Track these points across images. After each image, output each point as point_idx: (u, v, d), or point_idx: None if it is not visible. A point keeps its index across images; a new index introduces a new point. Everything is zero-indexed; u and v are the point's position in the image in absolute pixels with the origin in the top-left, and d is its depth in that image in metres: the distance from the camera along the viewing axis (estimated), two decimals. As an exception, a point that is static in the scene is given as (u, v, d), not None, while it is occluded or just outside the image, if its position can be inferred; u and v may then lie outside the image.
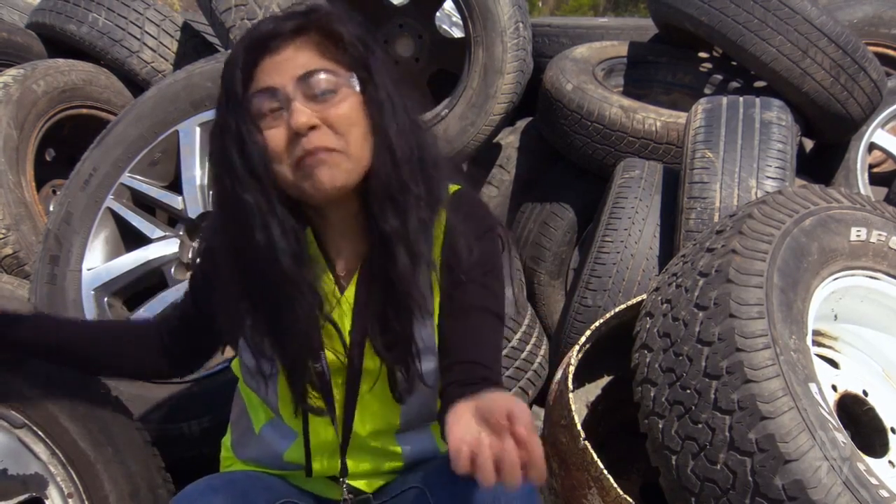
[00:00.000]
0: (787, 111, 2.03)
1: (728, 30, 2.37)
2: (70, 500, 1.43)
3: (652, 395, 1.37)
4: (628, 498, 1.30)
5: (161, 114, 1.90)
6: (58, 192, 2.41)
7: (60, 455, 1.43)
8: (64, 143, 2.65)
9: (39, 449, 1.43)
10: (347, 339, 1.10)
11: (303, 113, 0.97)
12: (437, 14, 2.95)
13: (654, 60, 2.89)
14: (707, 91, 2.80)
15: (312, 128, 0.97)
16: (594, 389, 1.79)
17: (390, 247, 1.03)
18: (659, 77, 2.88)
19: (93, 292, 1.84)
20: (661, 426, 1.34)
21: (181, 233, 1.92)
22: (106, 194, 1.90)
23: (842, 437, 1.25)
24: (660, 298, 1.47)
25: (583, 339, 1.54)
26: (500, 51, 2.31)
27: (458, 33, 3.22)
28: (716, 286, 1.36)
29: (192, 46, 2.82)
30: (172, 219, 2.02)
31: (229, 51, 2.13)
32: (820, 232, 1.47)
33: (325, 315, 1.08)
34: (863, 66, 2.34)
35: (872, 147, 2.89)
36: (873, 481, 1.23)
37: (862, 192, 2.68)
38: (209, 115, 1.89)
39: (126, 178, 1.91)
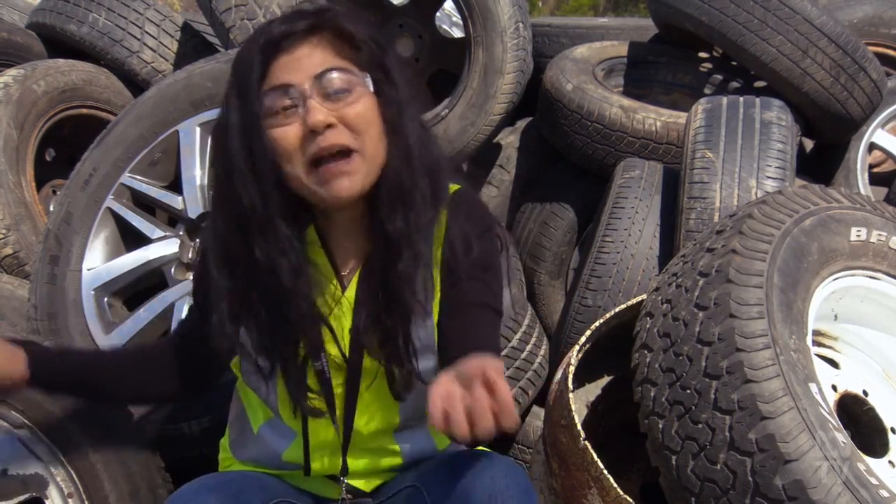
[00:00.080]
0: (787, 111, 2.03)
1: (728, 30, 2.37)
2: (70, 500, 1.43)
3: (652, 395, 1.37)
4: (628, 498, 1.29)
5: (161, 114, 1.90)
6: (58, 192, 2.41)
7: (61, 455, 1.43)
8: (64, 143, 2.65)
9: (39, 449, 1.43)
10: (347, 338, 1.10)
11: (319, 111, 0.97)
12: (437, 14, 2.95)
13: (654, 60, 2.89)
14: (707, 91, 2.80)
15: (329, 126, 0.97)
16: (594, 389, 1.79)
17: (395, 248, 1.03)
18: (659, 77, 2.88)
19: (93, 292, 1.84)
20: (661, 426, 1.34)
21: (181, 233, 1.92)
22: (106, 194, 1.90)
23: (842, 437, 1.25)
24: (660, 298, 1.47)
25: (583, 339, 1.54)
26: (500, 51, 2.31)
27: (458, 33, 3.22)
28: (716, 286, 1.36)
29: (192, 46, 2.82)
30: (172, 219, 2.02)
31: (232, 50, 2.13)
32: (820, 232, 1.47)
33: (323, 318, 1.08)
34: (863, 66, 2.34)
35: (872, 147, 2.89)
36: (873, 481, 1.22)
37: (862, 192, 2.68)
38: (209, 115, 1.89)
39: (126, 178, 1.90)
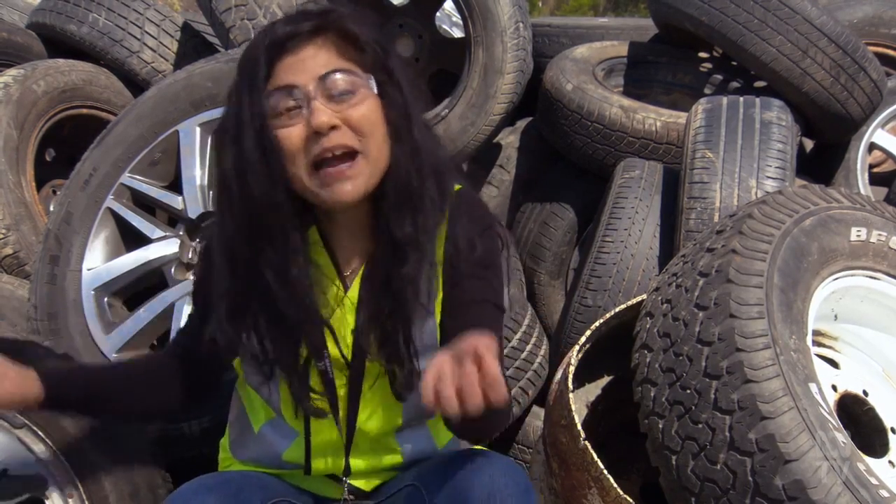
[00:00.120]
0: (787, 111, 2.03)
1: (728, 30, 2.37)
2: (70, 500, 1.43)
3: (652, 395, 1.37)
4: (628, 498, 1.29)
5: (161, 114, 1.90)
6: (58, 192, 2.41)
7: (60, 455, 1.43)
8: (64, 143, 2.65)
9: (39, 449, 1.43)
10: (350, 338, 1.10)
11: (324, 112, 0.97)
12: (437, 14, 2.95)
13: (654, 60, 2.89)
14: (707, 91, 2.80)
15: (333, 128, 0.98)
16: (594, 389, 1.79)
17: (402, 251, 1.04)
18: (659, 77, 2.88)
19: (93, 292, 1.84)
20: (661, 426, 1.34)
21: (181, 233, 1.92)
22: (106, 194, 1.90)
23: (842, 437, 1.25)
24: (660, 298, 1.47)
25: (583, 339, 1.54)
26: (500, 51, 2.31)
27: (458, 33, 3.22)
28: (716, 286, 1.36)
29: (192, 46, 2.82)
30: (172, 219, 2.02)
31: (232, 50, 2.13)
32: (820, 232, 1.47)
33: (326, 319, 1.08)
34: (863, 66, 2.34)
35: (872, 147, 2.89)
36: (873, 481, 1.22)
37: (862, 192, 2.68)
38: (209, 115, 1.88)
39: (126, 178, 1.90)
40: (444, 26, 3.29)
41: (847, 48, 2.31)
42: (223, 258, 1.05)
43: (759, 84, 2.61)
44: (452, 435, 1.23)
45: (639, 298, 1.59)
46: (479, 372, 0.81)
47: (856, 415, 1.57)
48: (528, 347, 2.11)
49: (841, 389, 1.55)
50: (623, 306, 1.60)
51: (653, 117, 2.39)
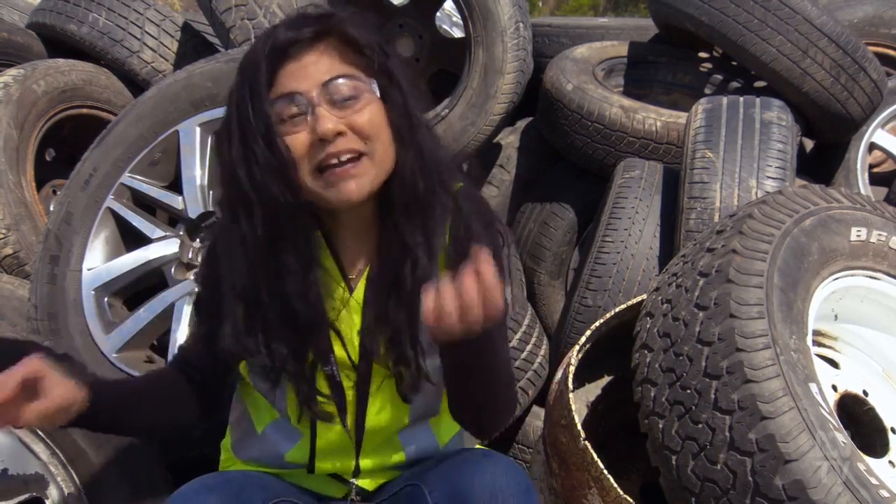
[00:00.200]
0: (788, 111, 2.03)
1: (728, 30, 2.37)
2: (70, 500, 1.43)
3: (652, 395, 1.37)
4: (628, 498, 1.29)
5: (161, 114, 1.90)
6: (58, 192, 2.41)
7: (60, 455, 1.43)
8: (64, 143, 2.65)
9: (39, 449, 1.44)
10: (356, 340, 1.10)
11: (329, 119, 0.97)
12: (438, 14, 2.95)
13: (654, 60, 2.89)
14: (707, 91, 2.80)
15: (338, 134, 0.98)
16: (594, 389, 1.79)
17: (412, 253, 1.04)
18: (659, 77, 2.88)
19: (93, 292, 1.84)
20: (661, 426, 1.34)
21: (181, 233, 1.92)
22: (106, 194, 1.90)
23: (842, 437, 1.25)
24: (660, 298, 1.47)
25: (583, 339, 1.54)
26: (500, 51, 2.31)
27: (458, 33, 3.22)
28: (716, 286, 1.36)
29: (192, 46, 2.82)
30: (173, 219, 2.02)
31: (232, 50, 2.13)
32: (820, 232, 1.47)
33: (332, 324, 1.08)
34: (863, 66, 2.34)
35: (872, 147, 2.89)
36: (873, 481, 1.22)
37: (862, 192, 2.68)
38: (209, 115, 1.88)
39: (126, 178, 1.90)
40: (444, 26, 3.28)
41: (847, 48, 2.31)
42: (243, 263, 1.04)
43: (759, 84, 2.61)
44: (454, 434, 1.23)
45: (639, 298, 1.59)
46: (478, 282, 0.85)
47: (856, 415, 1.57)
48: (528, 347, 2.11)
49: (841, 389, 1.55)
50: (623, 306, 1.60)
51: (653, 117, 2.39)
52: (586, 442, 1.36)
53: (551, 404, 1.55)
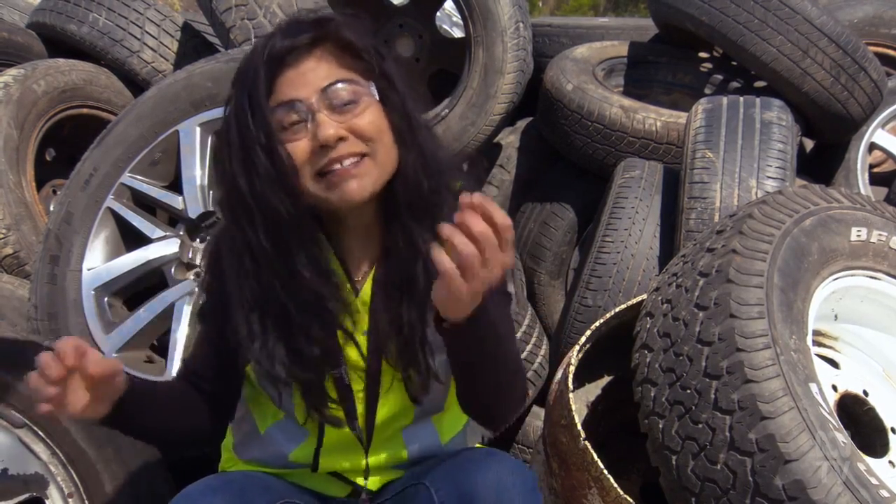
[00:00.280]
0: (788, 111, 2.03)
1: (728, 30, 2.37)
2: (70, 500, 1.43)
3: (652, 395, 1.37)
4: (628, 498, 1.29)
5: (161, 114, 1.90)
6: (58, 192, 2.41)
7: (61, 455, 1.43)
8: (64, 143, 2.65)
9: (40, 449, 1.44)
10: (364, 341, 1.10)
11: (330, 125, 0.98)
12: (438, 14, 2.95)
13: (655, 60, 2.89)
14: (707, 91, 2.81)
15: (340, 139, 0.98)
16: (594, 389, 1.79)
17: (421, 251, 1.04)
18: (659, 77, 2.88)
19: (93, 292, 1.84)
20: (661, 426, 1.34)
21: (181, 233, 1.92)
22: (106, 194, 1.90)
23: (842, 437, 1.25)
24: (660, 298, 1.47)
25: (583, 339, 1.54)
26: (500, 51, 2.31)
27: (458, 33, 3.22)
28: (716, 286, 1.36)
29: (192, 46, 2.82)
30: (173, 219, 2.02)
31: (232, 50, 2.13)
32: (820, 232, 1.47)
33: (342, 325, 1.08)
34: (863, 66, 2.34)
35: (873, 147, 2.89)
36: (873, 481, 1.22)
37: (862, 192, 2.68)
38: (209, 115, 1.89)
39: (126, 178, 1.90)
40: (445, 26, 3.29)
41: (847, 48, 2.31)
42: (251, 269, 1.04)
43: (760, 84, 2.61)
44: (457, 432, 1.24)
45: (639, 298, 1.59)
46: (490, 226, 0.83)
47: (856, 415, 1.57)
48: (528, 347, 2.11)
49: (841, 389, 1.55)
50: (623, 306, 1.60)
51: (653, 117, 2.39)
52: (586, 442, 1.36)
53: (551, 404, 1.55)
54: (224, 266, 1.08)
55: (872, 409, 1.56)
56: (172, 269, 1.90)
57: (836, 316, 1.61)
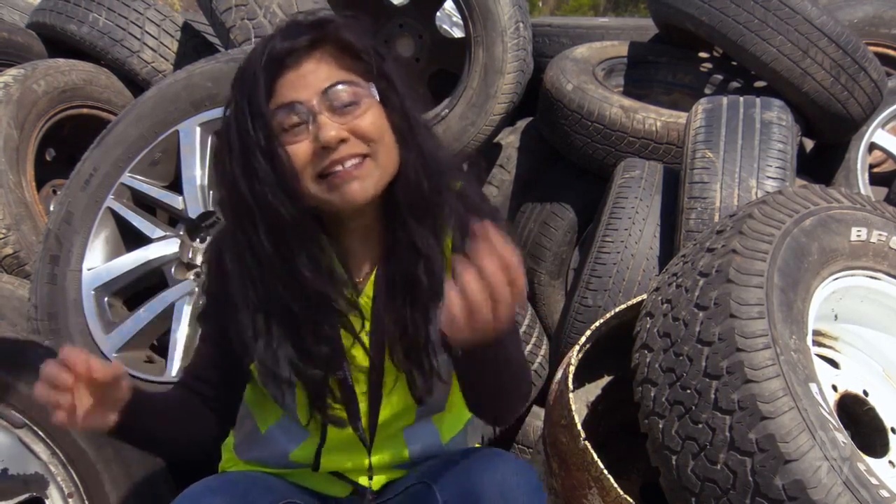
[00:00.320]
0: (788, 111, 2.03)
1: (728, 30, 2.37)
2: (70, 500, 1.43)
3: (652, 395, 1.37)
4: (628, 498, 1.30)
5: (161, 114, 1.90)
6: (58, 192, 2.41)
7: (61, 455, 1.43)
8: (64, 143, 2.65)
9: (40, 449, 1.44)
10: (367, 341, 1.10)
11: (332, 127, 0.97)
12: (438, 14, 2.96)
13: (655, 60, 2.89)
14: (707, 91, 2.81)
15: (342, 141, 0.98)
16: (594, 389, 1.79)
17: (423, 256, 1.04)
18: (659, 77, 2.88)
19: (93, 292, 1.84)
20: (661, 426, 1.34)
21: (181, 233, 1.92)
22: (106, 194, 1.90)
23: (842, 437, 1.25)
24: (660, 298, 1.47)
25: (583, 339, 1.54)
26: (500, 51, 2.31)
27: (458, 33, 3.22)
28: (716, 286, 1.36)
29: (192, 46, 2.82)
30: (173, 219, 2.02)
31: (232, 50, 2.13)
32: (820, 232, 1.47)
33: (346, 325, 1.08)
34: (863, 66, 2.34)
35: (873, 147, 2.89)
36: (873, 481, 1.23)
37: (862, 192, 2.68)
38: (210, 115, 1.89)
39: (126, 177, 1.90)
40: (445, 26, 3.29)
41: (847, 48, 2.31)
42: (255, 270, 1.03)
43: (760, 84, 2.61)
44: (457, 431, 1.24)
45: (639, 298, 1.59)
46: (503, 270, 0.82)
47: (856, 415, 1.57)
48: (528, 347, 2.12)
49: (841, 389, 1.55)
50: (623, 306, 1.60)
51: (653, 117, 2.39)
52: (586, 442, 1.36)
53: (551, 404, 1.55)
54: (226, 266, 1.08)
55: (872, 409, 1.56)
56: (172, 269, 1.90)
57: (836, 316, 1.61)
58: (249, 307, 1.05)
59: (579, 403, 1.77)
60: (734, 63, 2.69)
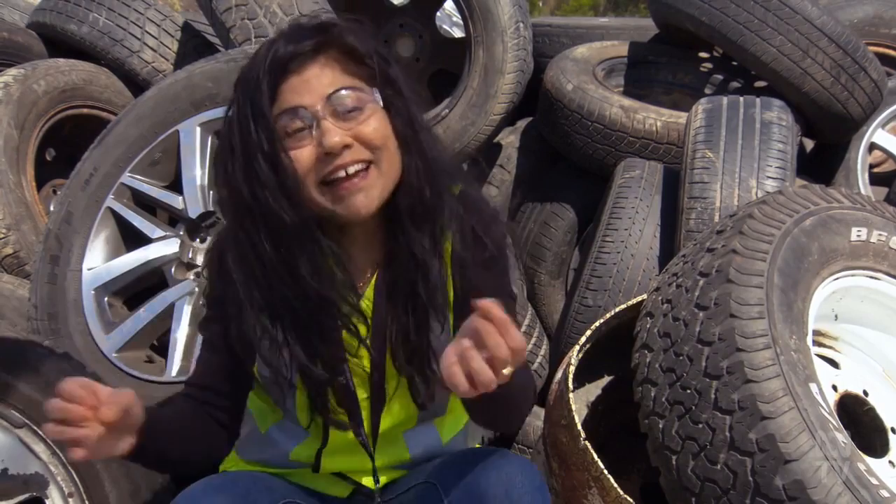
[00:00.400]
0: (788, 111, 2.03)
1: (728, 30, 2.37)
2: (70, 500, 1.43)
3: (652, 395, 1.37)
4: (628, 498, 1.30)
5: (161, 114, 1.90)
6: (58, 192, 2.41)
7: (61, 455, 1.43)
8: (64, 143, 2.65)
9: (40, 449, 1.44)
10: (368, 345, 1.10)
11: (335, 132, 0.97)
12: (438, 14, 2.96)
13: (655, 60, 2.89)
14: (707, 91, 2.81)
15: (345, 147, 0.97)
16: (594, 389, 1.79)
17: (423, 262, 1.04)
18: (659, 77, 2.89)
19: (93, 292, 1.84)
20: (661, 426, 1.34)
21: (181, 233, 1.92)
22: (106, 194, 1.90)
23: (842, 437, 1.25)
24: (660, 298, 1.47)
25: (583, 339, 1.54)
26: (500, 51, 2.31)
27: (458, 33, 3.22)
28: (716, 286, 1.36)
29: (192, 46, 2.82)
30: (173, 219, 2.02)
31: (232, 50, 2.13)
32: (820, 232, 1.47)
33: (349, 328, 1.07)
34: (863, 66, 2.35)
35: (873, 147, 2.89)
36: (873, 481, 1.23)
37: (862, 192, 2.68)
38: (210, 115, 1.88)
39: (126, 177, 1.90)
40: (445, 26, 3.29)
41: (847, 48, 2.31)
42: (260, 273, 1.03)
43: (760, 84, 2.61)
44: (457, 432, 1.24)
45: (639, 298, 1.59)
46: (503, 337, 0.81)
47: (856, 415, 1.57)
48: (529, 347, 2.12)
49: (841, 389, 1.55)
50: (623, 306, 1.60)
51: (653, 117, 2.39)
52: (586, 442, 1.36)
53: (551, 404, 1.55)
54: (229, 267, 1.08)
55: (872, 409, 1.56)
56: (172, 269, 1.90)
57: (836, 316, 1.61)
58: (254, 306, 1.04)
59: (579, 403, 1.77)
60: (734, 63, 2.69)
